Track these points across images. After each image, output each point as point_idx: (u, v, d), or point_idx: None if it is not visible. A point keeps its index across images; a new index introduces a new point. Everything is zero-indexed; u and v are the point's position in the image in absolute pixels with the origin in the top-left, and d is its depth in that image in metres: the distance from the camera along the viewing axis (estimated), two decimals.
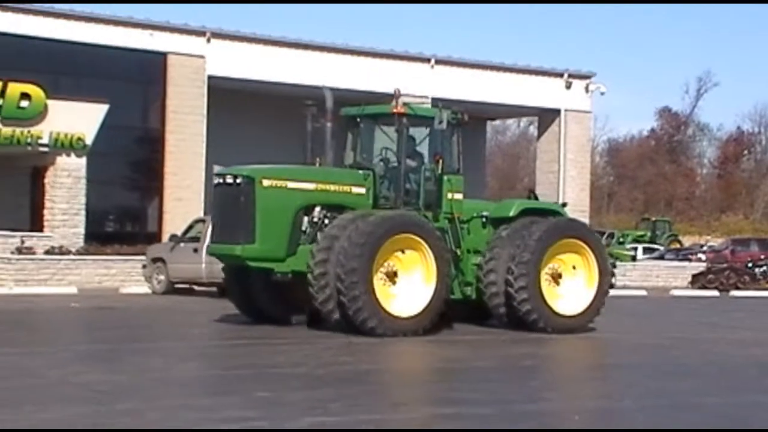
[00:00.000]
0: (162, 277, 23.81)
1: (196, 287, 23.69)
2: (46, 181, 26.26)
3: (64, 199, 26.12)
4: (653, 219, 53.31)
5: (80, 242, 25.96)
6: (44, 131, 25.46)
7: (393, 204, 15.95)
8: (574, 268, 16.59)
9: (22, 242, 24.88)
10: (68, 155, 26.04)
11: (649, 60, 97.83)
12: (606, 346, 15.84)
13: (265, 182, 15.28)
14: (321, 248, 14.99)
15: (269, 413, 8.91)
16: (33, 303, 20.62)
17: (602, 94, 36.33)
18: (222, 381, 10.75)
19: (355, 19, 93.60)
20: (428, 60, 33.72)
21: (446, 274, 15.42)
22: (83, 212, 26.43)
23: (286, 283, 15.48)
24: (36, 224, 26.47)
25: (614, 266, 30.96)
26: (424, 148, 16.41)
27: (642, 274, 33.06)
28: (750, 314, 22.62)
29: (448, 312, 15.84)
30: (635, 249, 41.04)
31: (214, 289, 22.50)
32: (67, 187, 26.14)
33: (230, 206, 15.41)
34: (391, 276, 15.20)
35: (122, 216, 30.62)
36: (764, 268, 32.22)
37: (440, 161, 16.10)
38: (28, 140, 25.26)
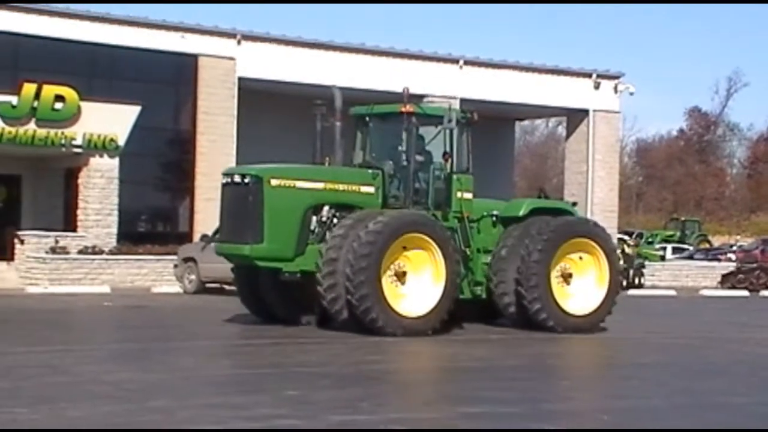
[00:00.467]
0: (193, 277, 24.02)
1: (226, 287, 23.86)
2: (79, 181, 26.54)
3: (97, 199, 26.40)
4: (682, 219, 53.00)
5: (113, 242, 26.23)
6: (78, 133, 25.74)
7: (402, 203, 15.87)
8: (580, 258, 16.40)
9: (57, 242, 25.18)
10: (101, 156, 26.32)
11: (678, 60, 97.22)
12: (635, 345, 15.81)
13: (274, 182, 15.23)
14: (330, 247, 14.93)
15: (299, 411, 8.99)
16: (67, 302, 20.88)
17: (631, 94, 36.17)
18: (252, 379, 10.85)
19: (385, 21, 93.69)
20: (457, 61, 33.73)
21: (455, 274, 15.36)
22: (116, 212, 26.70)
23: (295, 282, 15.42)
24: (70, 224, 26.77)
25: (643, 266, 30.97)
26: (433, 148, 16.30)
27: (671, 274, 32.93)
28: None
29: (457, 312, 15.75)
30: (664, 249, 40.86)
31: None
32: (100, 187, 26.42)
33: (238, 206, 15.35)
34: (400, 276, 15.16)
35: (154, 216, 30.88)
36: None
37: (449, 160, 16.03)
38: (62, 141, 25.56)
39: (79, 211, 26.55)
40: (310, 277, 15.11)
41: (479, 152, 39.00)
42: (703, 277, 33.11)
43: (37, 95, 25.08)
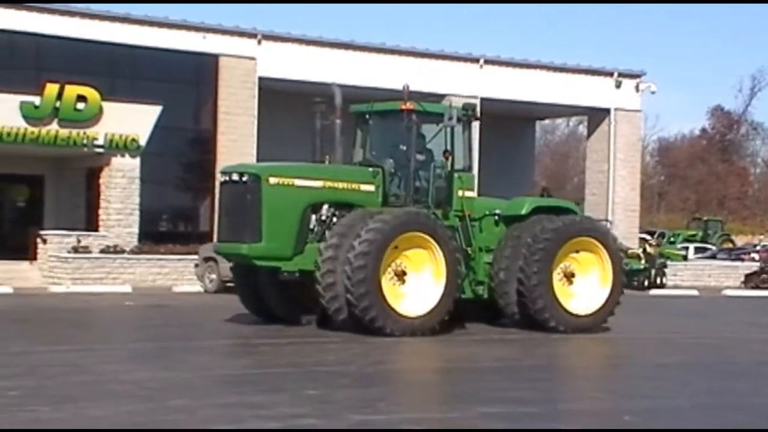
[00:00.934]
0: (214, 276, 24.10)
1: None
2: (101, 181, 26.67)
3: (119, 199, 26.53)
4: (705, 218, 52.67)
5: (134, 242, 26.35)
6: (99, 133, 25.86)
7: (403, 202, 15.72)
8: (577, 255, 16.16)
9: (78, 241, 25.32)
10: (122, 156, 26.43)
11: (701, 58, 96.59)
12: (657, 345, 15.72)
13: (272, 180, 15.10)
14: (329, 246, 14.80)
15: (318, 411, 9.01)
16: (89, 301, 21.01)
17: (653, 93, 35.99)
18: (271, 378, 10.87)
19: (406, 21, 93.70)
20: (477, 60, 33.67)
21: (456, 273, 15.20)
22: (137, 212, 26.81)
23: (295, 282, 15.30)
24: (92, 224, 26.90)
25: (665, 266, 30.80)
26: (434, 145, 16.10)
27: (694, 274, 32.74)
28: None
29: (459, 312, 15.56)
30: (686, 248, 40.64)
31: None
32: (121, 187, 26.55)
33: (237, 204, 15.22)
34: (400, 275, 15.02)
35: (175, 216, 31.00)
36: None
37: (450, 158, 15.86)
38: (84, 141, 25.69)
39: (100, 211, 26.68)
40: (309, 276, 14.96)
41: (499, 152, 39.03)
42: (725, 277, 32.89)
43: (60, 95, 25.22)
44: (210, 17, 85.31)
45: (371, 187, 15.75)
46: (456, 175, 15.92)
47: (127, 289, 24.04)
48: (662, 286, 29.92)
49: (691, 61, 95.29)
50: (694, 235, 47.85)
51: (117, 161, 26.40)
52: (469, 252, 16.00)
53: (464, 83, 32.76)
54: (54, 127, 25.29)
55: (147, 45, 28.67)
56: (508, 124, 36.50)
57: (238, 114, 29.94)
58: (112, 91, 26.68)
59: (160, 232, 28.94)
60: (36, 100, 25.06)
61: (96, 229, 26.49)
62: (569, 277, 16.24)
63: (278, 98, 30.32)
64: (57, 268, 24.80)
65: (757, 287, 30.65)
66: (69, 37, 27.60)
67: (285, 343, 14.08)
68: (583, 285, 16.30)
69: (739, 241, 50.91)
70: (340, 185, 15.60)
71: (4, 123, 24.64)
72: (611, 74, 35.47)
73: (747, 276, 31.89)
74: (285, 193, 15.12)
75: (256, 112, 30.11)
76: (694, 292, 29.44)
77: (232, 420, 8.58)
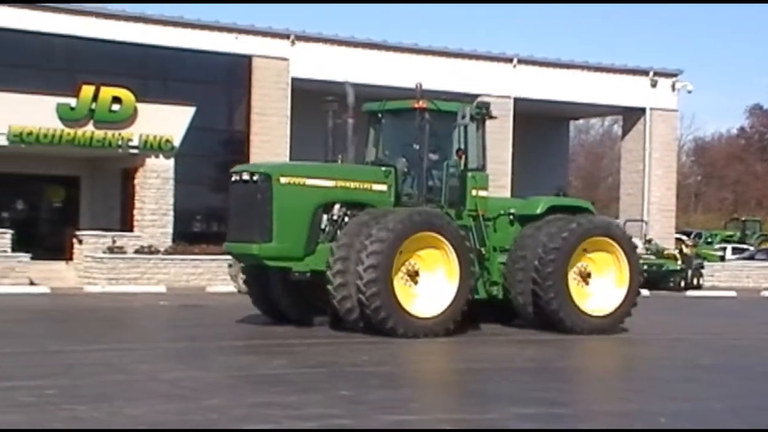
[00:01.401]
0: None
1: None
2: (135, 182, 26.87)
3: (153, 199, 26.71)
4: (743, 219, 52.09)
5: (168, 242, 26.52)
6: (134, 134, 26.05)
7: (415, 201, 15.56)
8: (593, 255, 15.96)
9: (114, 242, 25.53)
10: (156, 157, 26.61)
11: (738, 57, 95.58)
12: (693, 346, 15.55)
13: (283, 179, 14.97)
14: (340, 246, 14.67)
15: (351, 411, 9.01)
16: (123, 301, 21.18)
17: (689, 92, 35.67)
18: (304, 379, 10.89)
19: (438, 21, 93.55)
20: (510, 60, 33.54)
21: (469, 273, 15.01)
22: (171, 212, 26.98)
23: (307, 282, 15.16)
24: (126, 224, 27.11)
25: (702, 266, 30.50)
26: (447, 144, 15.92)
27: (731, 275, 32.39)
28: None
29: (473, 312, 15.40)
30: (724, 249, 40.23)
31: None
32: (155, 188, 26.73)
33: (247, 204, 15.08)
34: (413, 275, 14.85)
35: (208, 216, 31.13)
36: None
37: (463, 157, 15.69)
38: (119, 143, 25.89)
39: (135, 212, 26.88)
40: (321, 277, 14.82)
41: (533, 151, 38.85)
42: (764, 278, 32.50)
43: (95, 97, 25.44)
44: (242, 18, 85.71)
45: (383, 187, 15.61)
46: (470, 174, 15.74)
47: (161, 289, 24.19)
48: (699, 287, 29.63)
49: (727, 59, 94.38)
50: (731, 236, 47.34)
51: (151, 162, 26.58)
52: (483, 252, 15.81)
53: (497, 83, 32.67)
54: (89, 128, 25.51)
55: (180, 46, 28.86)
56: (541, 123, 36.34)
57: (271, 115, 30.04)
58: (147, 92, 26.88)
59: (194, 232, 29.10)
60: (72, 101, 25.29)
61: (131, 230, 26.68)
62: (585, 277, 16.08)
63: (311, 99, 30.37)
64: (92, 268, 25.01)
65: None
66: (104, 39, 27.86)
67: (318, 343, 14.10)
68: (599, 285, 16.12)
69: None
70: (352, 185, 15.46)
71: (41, 124, 24.91)
72: (647, 73, 35.21)
73: None
74: (296, 193, 14.99)
75: (288, 113, 30.20)
76: (732, 293, 29.12)
77: (265, 420, 8.60)
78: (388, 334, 14.35)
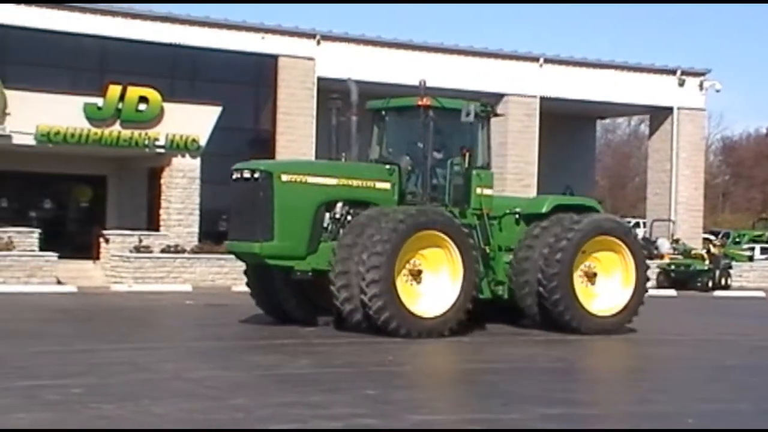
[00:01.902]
0: None
1: None
2: (162, 181, 26.99)
3: (179, 199, 26.82)
4: None
5: (194, 241, 26.62)
6: (161, 133, 26.16)
7: (419, 200, 15.38)
8: (599, 255, 15.79)
9: (140, 241, 25.65)
10: (183, 156, 26.71)
11: (766, 56, 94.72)
12: (721, 347, 15.42)
13: (284, 177, 14.81)
14: (342, 246, 14.52)
15: (377, 411, 9.00)
16: (150, 300, 21.27)
17: (717, 91, 35.38)
18: (330, 378, 10.89)
19: (464, 20, 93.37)
20: (537, 59, 33.41)
21: (474, 273, 14.84)
22: (197, 212, 27.08)
23: (310, 282, 15.04)
24: (153, 224, 27.24)
25: (730, 267, 30.24)
26: (452, 142, 15.73)
27: (760, 275, 32.10)
28: None
29: (478, 312, 15.22)
30: (752, 249, 39.87)
31: None
32: (182, 187, 26.84)
33: (248, 202, 14.90)
34: (416, 274, 14.67)
35: None
36: None
37: (467, 155, 15.51)
38: (146, 142, 26.02)
39: (161, 211, 26.99)
40: (323, 276, 14.70)
41: (559, 151, 38.68)
42: None
43: (122, 97, 25.57)
44: (269, 18, 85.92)
45: (387, 185, 15.45)
46: (474, 172, 15.56)
47: (187, 288, 24.29)
48: (727, 287, 29.37)
49: (755, 58, 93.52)
50: (760, 236, 46.90)
51: (177, 161, 26.69)
52: (488, 251, 15.62)
53: (524, 82, 32.57)
54: (116, 128, 25.64)
55: (207, 46, 28.98)
56: (568, 123, 36.18)
57: (297, 114, 30.10)
58: (173, 92, 26.99)
59: (220, 231, 29.12)
60: (99, 101, 25.44)
61: (157, 229, 26.80)
62: (591, 277, 15.89)
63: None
64: (119, 267, 25.15)
65: None
66: (131, 39, 28.02)
67: (342, 342, 14.08)
68: (606, 285, 15.95)
69: None
70: (355, 183, 15.28)
71: (68, 124, 25.07)
72: (674, 72, 34.98)
73: None
74: (298, 191, 14.83)
75: (314, 113, 30.24)
76: (760, 294, 28.85)
77: (291, 419, 8.60)
78: (390, 335, 14.21)
